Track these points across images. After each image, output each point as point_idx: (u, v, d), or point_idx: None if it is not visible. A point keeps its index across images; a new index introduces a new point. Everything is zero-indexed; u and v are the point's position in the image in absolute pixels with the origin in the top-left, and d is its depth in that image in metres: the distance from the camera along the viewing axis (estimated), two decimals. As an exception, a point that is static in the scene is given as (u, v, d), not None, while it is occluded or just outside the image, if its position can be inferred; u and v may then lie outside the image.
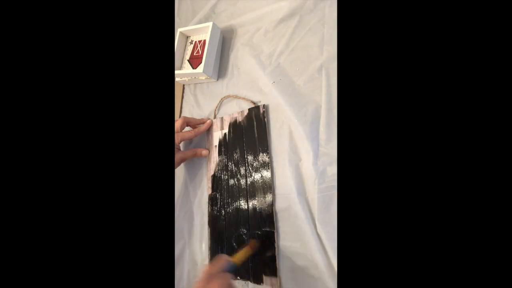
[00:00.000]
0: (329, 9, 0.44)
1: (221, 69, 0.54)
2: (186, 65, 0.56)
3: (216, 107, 0.52)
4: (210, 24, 0.52)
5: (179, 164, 0.49)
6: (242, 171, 0.44)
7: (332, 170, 0.37)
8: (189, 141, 0.54)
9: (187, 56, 0.56)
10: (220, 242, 0.44)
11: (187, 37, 0.58)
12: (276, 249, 0.38)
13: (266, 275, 0.38)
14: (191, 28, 0.55)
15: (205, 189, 0.49)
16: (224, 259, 0.33)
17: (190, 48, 0.57)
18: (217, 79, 0.54)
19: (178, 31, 0.56)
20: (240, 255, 0.36)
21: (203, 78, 0.53)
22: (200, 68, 0.50)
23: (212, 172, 0.48)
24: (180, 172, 0.53)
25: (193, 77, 0.54)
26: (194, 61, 0.55)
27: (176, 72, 0.53)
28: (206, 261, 0.45)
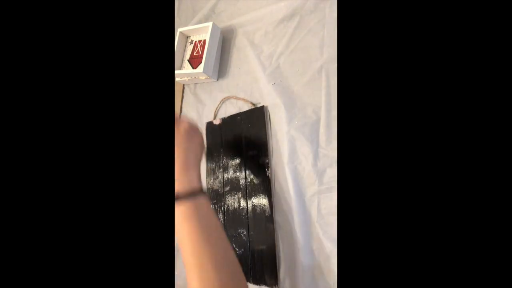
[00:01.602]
0: (329, 9, 0.44)
1: (221, 69, 0.54)
2: (186, 65, 0.55)
3: (217, 108, 0.52)
4: (210, 24, 0.52)
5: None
6: (242, 172, 0.44)
7: (332, 172, 0.37)
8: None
9: (187, 56, 0.56)
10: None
11: (187, 37, 0.58)
12: (276, 249, 0.38)
13: (266, 275, 0.38)
14: (191, 28, 0.54)
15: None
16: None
17: (190, 48, 0.56)
18: (217, 79, 0.54)
19: (178, 31, 0.56)
20: None
21: (203, 78, 0.53)
22: (200, 68, 0.50)
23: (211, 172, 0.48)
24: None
25: (193, 77, 0.54)
26: (194, 61, 0.55)
27: (176, 72, 0.52)
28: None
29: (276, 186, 0.41)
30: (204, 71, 0.50)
